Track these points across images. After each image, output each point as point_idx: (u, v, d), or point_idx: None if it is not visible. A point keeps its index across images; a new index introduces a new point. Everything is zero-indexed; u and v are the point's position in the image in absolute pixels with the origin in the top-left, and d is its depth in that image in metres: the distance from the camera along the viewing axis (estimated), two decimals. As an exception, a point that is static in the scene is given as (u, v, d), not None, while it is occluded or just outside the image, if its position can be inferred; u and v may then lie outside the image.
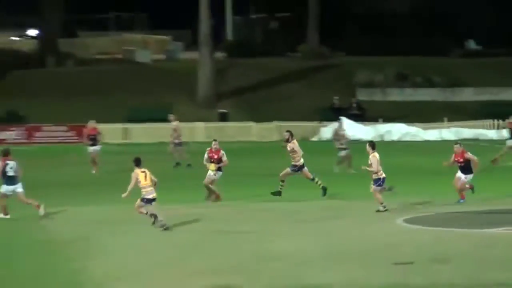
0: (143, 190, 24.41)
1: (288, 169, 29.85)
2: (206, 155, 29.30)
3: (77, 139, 55.93)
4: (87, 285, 19.86)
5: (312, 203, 30.35)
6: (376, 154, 26.47)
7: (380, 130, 59.86)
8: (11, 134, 58.08)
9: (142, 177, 24.47)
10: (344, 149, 39.71)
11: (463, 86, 70.95)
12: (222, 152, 28.97)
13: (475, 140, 53.24)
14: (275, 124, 60.89)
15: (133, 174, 24.69)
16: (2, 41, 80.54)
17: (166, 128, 52.59)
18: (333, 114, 60.84)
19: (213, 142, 30.73)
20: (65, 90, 66.06)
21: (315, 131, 60.82)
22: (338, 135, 40.72)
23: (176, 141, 41.46)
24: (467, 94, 69.44)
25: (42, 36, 75.08)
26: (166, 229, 24.59)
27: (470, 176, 28.64)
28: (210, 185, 28.99)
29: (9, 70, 68.64)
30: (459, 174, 28.60)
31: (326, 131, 58.04)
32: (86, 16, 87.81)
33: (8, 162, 26.14)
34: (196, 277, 20.60)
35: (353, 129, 58.31)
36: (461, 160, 28.79)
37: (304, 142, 54.76)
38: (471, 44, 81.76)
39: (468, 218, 25.22)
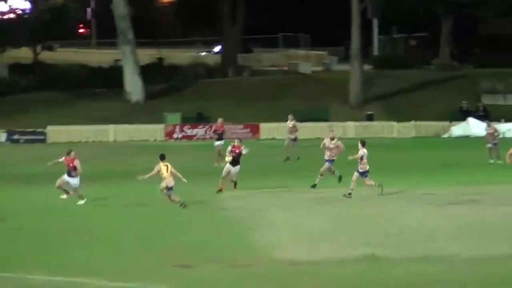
0: (164, 180, 25.09)
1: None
2: (229, 148, 29.82)
3: (251, 134, 57.77)
4: (260, 251, 21.12)
5: (448, 190, 30.22)
6: (365, 150, 27.10)
7: (502, 129, 57.76)
8: (199, 131, 57.94)
9: (164, 169, 25.03)
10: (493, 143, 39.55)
11: None
12: (242, 147, 29.13)
13: None
14: (413, 123, 60.95)
15: (156, 166, 25.29)
16: (194, 56, 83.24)
17: (322, 127, 56.60)
18: (461, 115, 61.60)
19: (236, 140, 31.38)
20: (242, 96, 66.47)
21: (446, 129, 60.55)
22: (489, 134, 39.79)
23: (292, 136, 41.50)
24: None
25: (224, 52, 76.80)
26: (184, 206, 25.30)
27: None
28: (224, 175, 28.95)
29: (199, 79, 70.39)
30: None
31: (455, 129, 59.59)
32: (260, 36, 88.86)
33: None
34: (348, 247, 21.34)
35: (479, 127, 58.19)
36: None
37: (436, 138, 58.30)
38: None
39: None
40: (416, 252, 20.59)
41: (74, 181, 27.41)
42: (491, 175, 35.95)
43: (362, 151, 26.89)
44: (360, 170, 26.90)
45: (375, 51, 77.99)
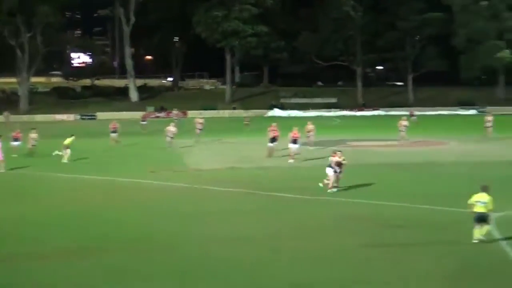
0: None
1: None
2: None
3: (183, 115, 78.85)
4: (188, 165, 33.45)
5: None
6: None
7: (292, 114, 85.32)
8: (161, 115, 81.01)
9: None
10: None
11: None
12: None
13: None
14: (253, 111, 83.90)
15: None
16: (162, 82, 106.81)
17: (212, 112, 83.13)
18: (272, 107, 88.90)
19: (272, 124, 36.05)
20: (182, 98, 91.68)
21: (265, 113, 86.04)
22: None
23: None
24: None
25: (173, 80, 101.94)
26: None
27: None
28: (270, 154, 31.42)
29: (163, 91, 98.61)
30: None
31: (270, 113, 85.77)
32: (187, 74, 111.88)
33: None
34: (224, 163, 32.29)
35: (279, 113, 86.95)
36: None
37: (262, 117, 78.43)
38: None
39: None
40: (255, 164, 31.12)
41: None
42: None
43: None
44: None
45: (236, 79, 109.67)
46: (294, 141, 33.86)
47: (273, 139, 33.77)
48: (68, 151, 36.37)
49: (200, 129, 44.70)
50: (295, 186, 26.53)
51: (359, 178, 27.47)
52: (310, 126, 39.84)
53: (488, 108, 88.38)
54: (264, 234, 18.75)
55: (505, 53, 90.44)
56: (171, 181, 28.92)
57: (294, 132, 32.84)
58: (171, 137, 40.06)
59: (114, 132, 43.10)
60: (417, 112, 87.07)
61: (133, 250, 16.95)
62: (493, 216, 18.24)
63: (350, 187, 26.26)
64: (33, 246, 17.26)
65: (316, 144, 42.03)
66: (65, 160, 36.17)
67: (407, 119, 46.55)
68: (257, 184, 27.65)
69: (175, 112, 70.09)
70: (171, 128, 40.78)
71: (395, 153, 39.98)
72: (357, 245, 17.42)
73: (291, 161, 33.59)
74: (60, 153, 36.86)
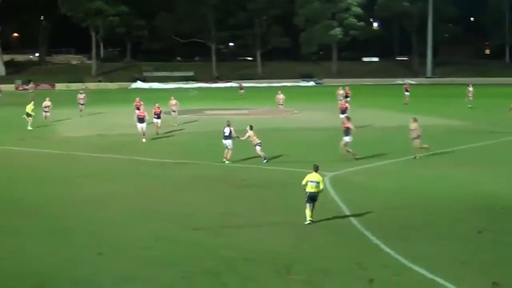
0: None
1: None
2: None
3: (50, 87, 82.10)
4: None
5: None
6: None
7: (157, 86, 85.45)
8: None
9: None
10: None
11: None
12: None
13: None
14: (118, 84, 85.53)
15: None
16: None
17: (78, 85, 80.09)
18: (136, 80, 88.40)
19: (136, 99, 37.07)
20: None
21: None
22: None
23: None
24: None
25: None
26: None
27: None
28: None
29: None
30: None
31: (134, 85, 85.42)
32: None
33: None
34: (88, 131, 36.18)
35: (140, 85, 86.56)
36: None
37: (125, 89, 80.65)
38: None
39: None
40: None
41: None
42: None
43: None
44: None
45: (102, 55, 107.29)
46: (158, 116, 33.58)
47: (141, 120, 32.16)
48: None
49: (82, 104, 43.19)
50: (156, 151, 26.72)
51: (213, 145, 27.64)
52: (173, 101, 39.47)
53: (325, 80, 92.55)
54: (128, 194, 18.86)
55: (337, 31, 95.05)
56: (41, 148, 28.18)
57: (156, 107, 32.29)
58: (47, 112, 38.06)
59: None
60: (265, 84, 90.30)
61: (3, 211, 16.50)
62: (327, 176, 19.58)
63: (205, 152, 26.73)
64: None
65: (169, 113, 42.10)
66: None
67: (281, 93, 46.89)
68: (123, 149, 27.49)
69: (31, 85, 68.27)
70: (47, 103, 39.08)
71: (248, 120, 40.84)
72: (212, 199, 18.03)
73: (159, 132, 33.36)
74: None
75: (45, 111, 38.29)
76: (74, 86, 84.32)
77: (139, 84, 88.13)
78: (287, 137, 32.38)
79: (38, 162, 24.78)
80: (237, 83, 72.24)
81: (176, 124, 37.24)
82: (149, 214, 16.36)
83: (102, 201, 17.89)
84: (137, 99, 38.44)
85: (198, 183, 20.54)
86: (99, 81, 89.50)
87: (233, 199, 18.23)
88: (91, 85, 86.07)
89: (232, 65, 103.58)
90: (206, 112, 48.16)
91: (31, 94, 54.08)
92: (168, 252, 13.40)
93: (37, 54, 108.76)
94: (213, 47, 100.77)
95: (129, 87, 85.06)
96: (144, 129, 30.68)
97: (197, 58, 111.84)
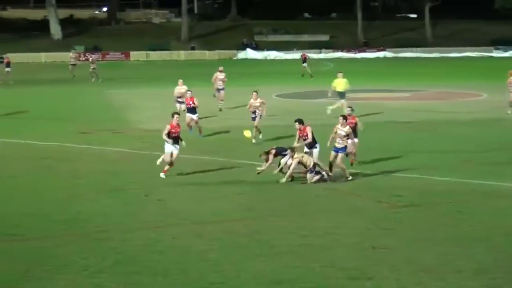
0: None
1: None
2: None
3: (124, 57, 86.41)
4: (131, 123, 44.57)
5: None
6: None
7: (266, 55, 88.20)
8: (94, 56, 76.92)
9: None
10: None
11: None
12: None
13: None
14: (217, 51, 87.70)
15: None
16: (92, 13, 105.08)
17: (166, 53, 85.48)
18: (243, 47, 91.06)
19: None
20: (120, 36, 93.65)
21: (235, 55, 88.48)
22: None
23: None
24: None
25: (108, 11, 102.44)
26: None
27: None
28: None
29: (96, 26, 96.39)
30: None
31: (240, 54, 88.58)
32: (128, 2, 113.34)
33: None
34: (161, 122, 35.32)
35: (253, 54, 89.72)
36: None
37: (230, 60, 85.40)
38: None
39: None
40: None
41: None
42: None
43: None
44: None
45: (195, 10, 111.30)
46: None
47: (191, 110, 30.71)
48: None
49: (221, 88, 39.64)
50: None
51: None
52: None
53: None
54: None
55: None
56: (109, 145, 28.73)
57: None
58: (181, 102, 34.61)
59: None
60: (435, 54, 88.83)
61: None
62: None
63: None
64: None
65: (304, 96, 42.12)
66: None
67: None
68: (220, 150, 27.72)
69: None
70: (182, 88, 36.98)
71: (406, 107, 40.42)
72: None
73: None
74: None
75: (179, 102, 34.02)
76: (156, 55, 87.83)
77: (248, 53, 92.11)
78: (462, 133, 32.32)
79: (101, 168, 25.17)
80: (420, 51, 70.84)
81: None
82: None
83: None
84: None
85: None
86: (192, 48, 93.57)
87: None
88: (181, 54, 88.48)
89: (386, 26, 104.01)
90: (348, 95, 47.94)
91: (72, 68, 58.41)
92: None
93: (105, 9, 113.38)
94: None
95: (235, 58, 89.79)
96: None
97: (334, 15, 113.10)
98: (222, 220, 18.49)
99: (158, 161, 23.43)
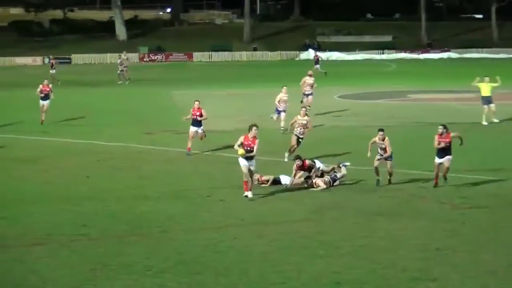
0: None
1: None
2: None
3: (187, 58, 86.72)
4: None
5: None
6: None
7: (327, 55, 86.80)
8: (158, 57, 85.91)
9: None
10: None
11: None
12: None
13: None
14: (278, 52, 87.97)
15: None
16: (157, 14, 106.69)
17: (226, 54, 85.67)
18: (305, 47, 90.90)
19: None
20: (184, 36, 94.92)
21: (297, 56, 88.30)
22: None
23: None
24: None
25: (172, 12, 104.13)
26: None
27: None
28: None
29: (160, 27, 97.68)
30: None
31: (302, 55, 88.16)
32: (192, 3, 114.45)
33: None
34: None
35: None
36: None
37: (292, 60, 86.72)
38: None
39: None
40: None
41: None
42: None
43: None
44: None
45: (258, 11, 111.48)
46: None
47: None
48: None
49: (309, 93, 37.87)
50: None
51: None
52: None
53: None
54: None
55: None
56: (172, 146, 29.10)
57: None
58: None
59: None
60: (503, 54, 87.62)
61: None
62: None
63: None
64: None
65: (362, 97, 42.06)
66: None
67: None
68: (280, 147, 27.70)
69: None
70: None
71: (472, 109, 39.91)
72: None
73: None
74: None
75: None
76: (218, 56, 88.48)
77: (311, 54, 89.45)
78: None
79: (169, 169, 25.43)
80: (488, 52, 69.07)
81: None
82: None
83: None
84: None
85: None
86: (254, 49, 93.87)
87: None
88: (243, 55, 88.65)
89: (451, 27, 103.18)
90: (410, 95, 47.78)
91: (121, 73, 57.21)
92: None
93: (168, 10, 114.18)
94: (423, 0, 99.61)
95: (297, 58, 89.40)
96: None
97: (397, 16, 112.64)
98: (284, 221, 18.63)
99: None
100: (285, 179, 22.77)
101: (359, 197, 21.33)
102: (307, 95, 37.02)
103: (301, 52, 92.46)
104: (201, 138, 28.00)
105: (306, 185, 22.25)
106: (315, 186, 22.14)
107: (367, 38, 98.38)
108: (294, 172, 22.17)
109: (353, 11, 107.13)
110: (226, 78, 60.42)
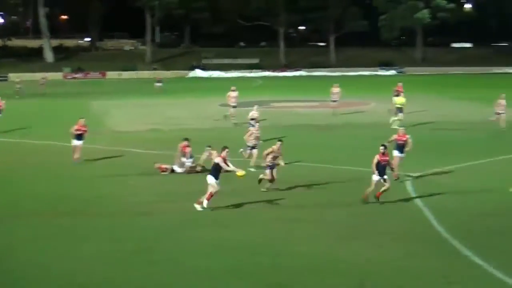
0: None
1: None
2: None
3: (101, 76, 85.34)
4: (108, 127, 43.27)
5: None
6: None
7: (209, 74, 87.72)
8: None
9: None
10: None
11: None
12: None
13: None
14: (176, 71, 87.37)
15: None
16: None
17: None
18: (193, 68, 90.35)
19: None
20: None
21: (188, 74, 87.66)
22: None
23: None
24: None
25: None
26: None
27: None
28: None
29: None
30: None
31: (191, 73, 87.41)
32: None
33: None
34: (144, 125, 39.45)
35: (201, 73, 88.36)
36: None
37: (184, 77, 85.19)
38: None
39: None
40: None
41: None
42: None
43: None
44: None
45: (158, 39, 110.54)
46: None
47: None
48: None
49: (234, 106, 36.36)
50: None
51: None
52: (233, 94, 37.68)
53: (407, 69, 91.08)
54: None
55: (424, 14, 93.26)
56: (90, 143, 28.94)
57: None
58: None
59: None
60: (338, 73, 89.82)
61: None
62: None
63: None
64: None
65: (238, 105, 42.47)
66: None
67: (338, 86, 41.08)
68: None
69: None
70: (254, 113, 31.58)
71: (317, 114, 40.87)
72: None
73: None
74: None
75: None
76: (126, 74, 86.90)
77: (197, 73, 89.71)
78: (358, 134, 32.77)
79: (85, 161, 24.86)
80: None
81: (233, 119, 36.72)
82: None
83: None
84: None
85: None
86: (154, 69, 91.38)
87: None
88: (145, 74, 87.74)
89: (302, 52, 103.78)
90: (272, 104, 48.44)
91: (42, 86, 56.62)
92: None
93: (88, 39, 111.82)
94: (281, 31, 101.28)
95: (187, 76, 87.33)
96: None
97: (263, 44, 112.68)
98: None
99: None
100: (177, 168, 22.73)
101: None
102: (234, 106, 35.88)
103: (190, 71, 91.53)
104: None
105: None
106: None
107: (240, 61, 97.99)
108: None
109: (230, 40, 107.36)
110: (132, 91, 59.80)
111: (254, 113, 29.04)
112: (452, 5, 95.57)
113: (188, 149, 22.94)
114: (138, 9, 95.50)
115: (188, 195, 18.73)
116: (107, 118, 39.20)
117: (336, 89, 39.81)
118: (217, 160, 17.34)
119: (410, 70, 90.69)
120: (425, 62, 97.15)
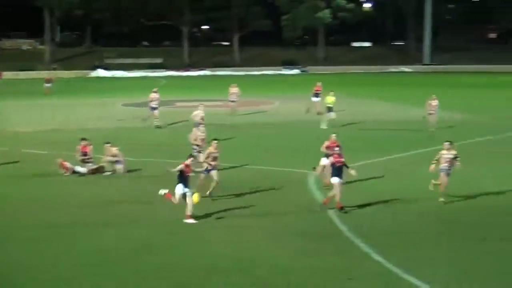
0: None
1: None
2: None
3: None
4: None
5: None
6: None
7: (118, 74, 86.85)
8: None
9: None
10: None
11: None
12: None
13: None
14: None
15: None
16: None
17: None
18: (94, 68, 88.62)
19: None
20: None
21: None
22: None
23: None
24: None
25: None
26: None
27: None
28: None
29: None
30: None
31: (94, 73, 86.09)
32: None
33: None
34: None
35: (104, 73, 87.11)
36: None
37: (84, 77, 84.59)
38: None
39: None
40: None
41: None
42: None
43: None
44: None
45: (58, 38, 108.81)
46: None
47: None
48: None
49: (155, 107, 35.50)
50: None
51: (180, 138, 27.94)
52: (234, 89, 39.72)
53: (310, 68, 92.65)
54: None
55: (325, 13, 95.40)
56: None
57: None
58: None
59: None
60: (242, 72, 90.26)
61: None
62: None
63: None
64: None
65: (141, 105, 41.93)
66: None
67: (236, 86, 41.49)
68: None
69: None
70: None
71: (222, 113, 40.85)
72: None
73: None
74: None
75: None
76: (24, 74, 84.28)
77: (100, 72, 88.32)
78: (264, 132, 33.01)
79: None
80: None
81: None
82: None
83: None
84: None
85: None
86: (54, 69, 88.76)
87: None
88: (44, 74, 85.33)
89: (206, 51, 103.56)
90: (176, 103, 48.12)
91: None
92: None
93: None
94: (185, 31, 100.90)
95: (88, 76, 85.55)
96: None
97: (166, 43, 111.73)
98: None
99: None
100: (80, 169, 22.37)
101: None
102: (154, 108, 34.80)
103: (92, 71, 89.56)
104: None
105: None
106: None
107: (143, 60, 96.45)
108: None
109: (132, 40, 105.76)
110: (32, 92, 57.95)
111: (200, 112, 27.77)
112: (351, 5, 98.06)
113: (88, 148, 22.69)
114: (36, 8, 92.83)
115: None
116: (5, 119, 38.16)
117: (234, 89, 40.26)
118: (179, 167, 16.30)
119: (313, 69, 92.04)
120: (327, 61, 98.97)
